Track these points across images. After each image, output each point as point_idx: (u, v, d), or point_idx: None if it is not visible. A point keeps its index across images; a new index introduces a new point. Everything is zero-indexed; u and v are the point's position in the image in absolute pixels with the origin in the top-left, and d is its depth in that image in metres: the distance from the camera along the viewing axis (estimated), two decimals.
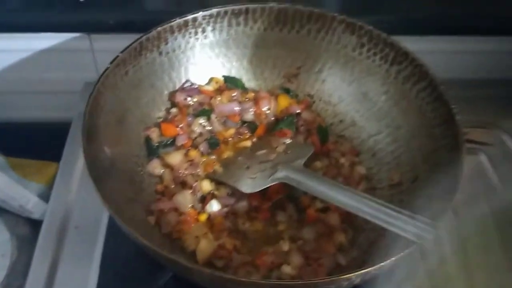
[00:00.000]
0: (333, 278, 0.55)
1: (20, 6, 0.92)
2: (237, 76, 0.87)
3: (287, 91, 0.86)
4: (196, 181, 0.74)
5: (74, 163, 0.84)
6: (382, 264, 0.55)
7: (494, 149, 0.91)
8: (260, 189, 0.72)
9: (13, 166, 0.89)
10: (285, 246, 0.68)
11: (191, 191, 0.72)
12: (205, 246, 0.66)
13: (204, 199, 0.73)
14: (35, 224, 0.83)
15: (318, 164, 0.80)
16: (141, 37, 0.76)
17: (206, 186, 0.74)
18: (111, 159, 0.70)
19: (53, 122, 0.95)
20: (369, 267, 0.55)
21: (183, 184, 0.75)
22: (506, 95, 0.95)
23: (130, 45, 0.75)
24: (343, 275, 0.54)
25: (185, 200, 0.71)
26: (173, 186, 0.74)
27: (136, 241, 0.56)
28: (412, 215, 0.61)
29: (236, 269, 0.66)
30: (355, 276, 0.55)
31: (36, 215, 0.85)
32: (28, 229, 0.84)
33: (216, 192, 0.75)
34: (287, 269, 0.65)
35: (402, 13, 0.96)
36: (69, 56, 0.95)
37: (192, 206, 0.72)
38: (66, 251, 0.74)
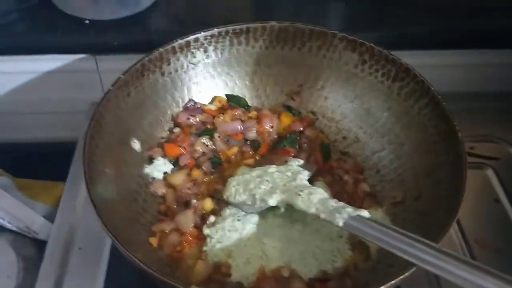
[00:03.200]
0: None
1: (26, 29, 0.95)
2: (240, 95, 0.88)
3: (289, 108, 0.86)
4: (198, 200, 0.74)
5: (80, 183, 0.84)
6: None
7: (500, 163, 0.90)
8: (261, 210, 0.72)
9: (20, 187, 0.90)
10: (286, 272, 0.67)
11: (193, 210, 0.72)
12: (201, 268, 0.66)
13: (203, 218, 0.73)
14: (41, 245, 0.83)
15: (321, 181, 0.79)
16: (142, 58, 0.77)
17: (208, 204, 0.74)
18: (113, 181, 0.71)
19: (60, 142, 0.97)
20: None
21: (186, 204, 0.75)
22: None
23: (132, 66, 0.76)
24: None
25: (187, 220, 0.71)
26: (175, 206, 0.74)
27: (134, 263, 0.56)
28: (416, 238, 0.59)
29: None
30: None
31: (41, 236, 0.85)
32: (34, 250, 0.85)
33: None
34: None
35: (405, 28, 0.96)
36: (75, 77, 0.97)
37: (194, 226, 0.72)
38: (70, 272, 0.75)
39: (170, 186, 0.77)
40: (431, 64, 0.83)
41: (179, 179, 0.77)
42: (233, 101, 0.86)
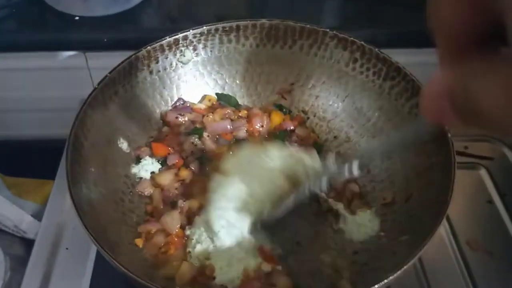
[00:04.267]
0: None
1: (16, 26, 0.94)
2: (231, 93, 0.87)
3: (280, 107, 0.85)
4: (185, 200, 0.73)
5: None
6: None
7: (494, 163, 0.89)
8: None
9: (9, 185, 0.90)
10: (266, 267, 0.65)
11: (179, 211, 0.71)
12: (185, 270, 0.65)
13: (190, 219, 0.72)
14: (29, 244, 0.83)
15: None
16: (130, 56, 0.76)
17: (195, 205, 0.73)
18: (99, 180, 0.70)
19: (50, 139, 0.95)
20: None
21: (173, 205, 0.74)
22: None
23: (119, 64, 0.75)
24: None
25: (173, 221, 0.70)
26: (162, 207, 0.73)
27: (115, 266, 0.56)
28: None
29: None
30: None
31: (30, 235, 0.85)
32: (23, 249, 0.85)
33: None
34: None
35: (398, 26, 0.95)
36: (65, 74, 0.96)
37: (181, 227, 0.71)
38: (56, 272, 0.74)
39: (157, 186, 0.76)
40: (425, 63, 0.81)
41: (166, 179, 0.76)
42: (223, 100, 0.86)
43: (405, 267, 0.56)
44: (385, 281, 0.56)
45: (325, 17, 1.04)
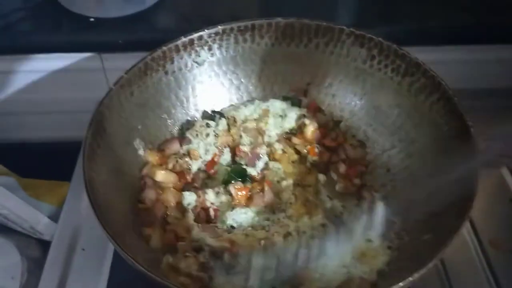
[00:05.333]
0: None
1: (31, 28, 0.94)
2: (246, 93, 0.86)
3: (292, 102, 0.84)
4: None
5: None
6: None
7: None
8: None
9: (25, 187, 0.90)
10: None
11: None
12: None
13: None
14: (45, 246, 0.83)
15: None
16: (145, 57, 0.76)
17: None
18: (115, 180, 0.69)
19: (66, 141, 0.95)
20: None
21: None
22: None
23: (135, 65, 0.74)
24: None
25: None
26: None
27: (133, 265, 0.55)
28: None
29: None
30: None
31: (46, 237, 0.85)
32: (39, 250, 0.84)
33: None
34: None
35: (416, 23, 0.93)
36: (81, 76, 0.96)
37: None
38: (73, 273, 0.74)
39: None
40: (444, 60, 0.80)
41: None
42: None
43: (429, 265, 0.55)
44: (410, 278, 0.55)
45: (342, 14, 1.03)
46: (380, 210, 0.70)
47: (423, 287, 0.73)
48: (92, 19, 0.95)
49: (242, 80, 0.86)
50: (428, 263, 0.56)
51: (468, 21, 0.94)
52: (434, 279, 0.75)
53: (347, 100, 0.83)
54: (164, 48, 0.77)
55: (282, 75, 0.85)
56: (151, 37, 0.93)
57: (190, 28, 0.80)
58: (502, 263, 0.77)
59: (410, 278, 0.54)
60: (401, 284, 0.54)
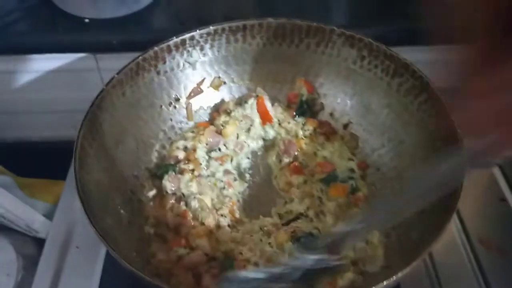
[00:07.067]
0: None
1: (26, 28, 0.95)
2: (238, 93, 0.87)
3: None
4: None
5: None
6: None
7: (507, 161, 0.87)
8: None
9: (21, 186, 0.91)
10: None
11: None
12: None
13: None
14: (41, 244, 0.83)
15: None
16: (137, 57, 0.77)
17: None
18: (107, 179, 0.70)
19: (62, 141, 0.96)
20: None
21: None
22: None
23: (127, 65, 0.75)
24: None
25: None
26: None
27: (122, 264, 0.56)
28: None
29: None
30: None
31: (42, 235, 0.86)
32: (34, 248, 0.85)
33: None
34: None
35: (408, 23, 0.93)
36: (76, 76, 0.97)
37: None
38: (67, 270, 0.75)
39: None
40: (439, 59, 0.80)
41: None
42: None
43: (414, 263, 0.55)
44: (394, 278, 0.55)
45: (334, 15, 1.03)
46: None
47: (413, 286, 0.74)
48: (86, 20, 0.95)
49: (235, 80, 0.86)
50: (413, 262, 0.56)
51: None
52: (423, 277, 0.76)
53: (338, 99, 0.84)
54: (156, 48, 0.78)
55: (274, 75, 0.86)
56: (145, 37, 0.93)
57: (184, 28, 0.81)
58: (491, 262, 0.77)
59: (394, 278, 0.55)
60: (385, 283, 0.55)
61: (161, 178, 0.76)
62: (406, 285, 0.73)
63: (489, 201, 0.85)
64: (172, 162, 0.78)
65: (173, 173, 0.76)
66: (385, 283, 0.55)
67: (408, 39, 0.89)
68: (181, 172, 0.76)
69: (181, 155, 0.79)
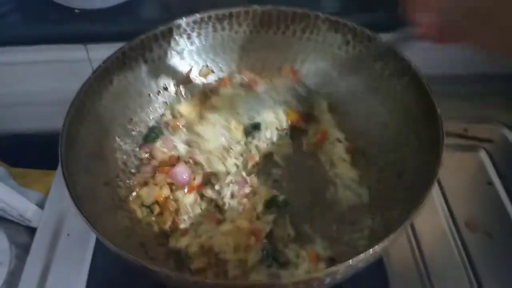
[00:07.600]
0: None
1: (17, 20, 0.96)
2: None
3: None
4: None
5: None
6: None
7: (494, 145, 0.88)
8: None
9: (14, 176, 0.92)
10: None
11: None
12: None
13: None
14: (34, 233, 0.85)
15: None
16: (124, 46, 0.77)
17: None
18: (95, 167, 0.71)
19: (54, 131, 0.97)
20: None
21: None
22: (505, 90, 0.92)
23: (112, 54, 0.76)
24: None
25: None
26: None
27: (110, 247, 0.57)
28: None
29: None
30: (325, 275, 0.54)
31: (34, 224, 0.87)
32: (28, 237, 0.87)
33: None
34: None
35: (397, 10, 0.93)
36: (67, 67, 0.98)
37: None
38: (57, 257, 0.77)
39: None
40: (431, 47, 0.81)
41: None
42: None
43: (393, 235, 0.55)
44: (376, 247, 0.54)
45: (325, 3, 1.03)
46: None
47: (399, 270, 0.75)
48: (77, 10, 0.96)
49: (223, 68, 0.87)
50: (393, 232, 0.55)
51: None
52: (409, 261, 0.77)
53: (325, 84, 0.84)
54: (143, 37, 0.79)
55: (262, 62, 0.87)
56: (136, 27, 0.93)
57: (174, 18, 0.81)
58: (477, 244, 0.78)
59: (376, 247, 0.54)
60: (362, 256, 0.54)
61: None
62: (393, 269, 0.74)
63: (476, 185, 0.86)
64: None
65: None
66: (362, 256, 0.54)
67: (397, 26, 0.89)
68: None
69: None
